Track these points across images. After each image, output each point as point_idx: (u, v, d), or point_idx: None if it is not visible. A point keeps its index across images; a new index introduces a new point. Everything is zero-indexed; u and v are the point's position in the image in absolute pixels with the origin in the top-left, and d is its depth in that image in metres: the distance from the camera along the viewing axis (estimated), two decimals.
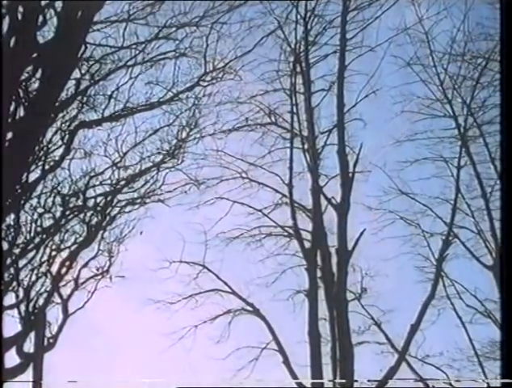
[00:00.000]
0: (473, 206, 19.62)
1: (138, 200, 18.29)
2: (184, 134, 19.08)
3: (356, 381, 15.84)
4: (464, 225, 19.48)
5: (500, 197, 15.51)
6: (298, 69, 19.46)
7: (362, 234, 17.66)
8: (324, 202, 18.06)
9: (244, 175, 18.99)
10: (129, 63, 17.57)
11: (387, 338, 17.92)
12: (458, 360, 18.66)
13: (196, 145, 19.01)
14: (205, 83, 18.68)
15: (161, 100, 18.40)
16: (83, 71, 16.70)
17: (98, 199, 17.86)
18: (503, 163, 13.37)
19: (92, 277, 17.56)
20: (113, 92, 17.58)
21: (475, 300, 19.26)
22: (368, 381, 16.28)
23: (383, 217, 19.82)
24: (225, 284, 17.51)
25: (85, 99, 17.14)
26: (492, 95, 19.81)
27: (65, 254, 17.09)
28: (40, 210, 16.80)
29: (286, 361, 16.46)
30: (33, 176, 15.81)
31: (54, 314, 16.64)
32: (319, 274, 17.36)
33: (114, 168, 18.24)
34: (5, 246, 15.48)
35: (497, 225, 19.24)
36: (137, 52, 17.58)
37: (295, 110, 19.12)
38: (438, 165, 20.03)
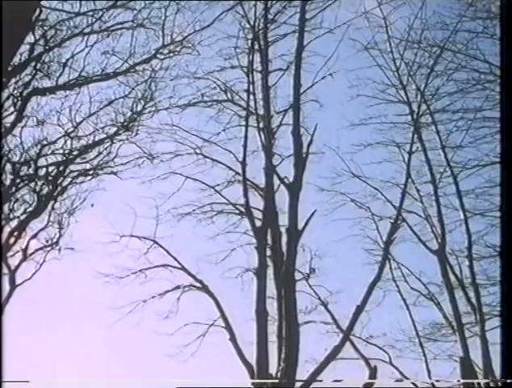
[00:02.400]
0: (422, 191, 20.10)
1: (90, 172, 18.13)
2: (139, 107, 18.93)
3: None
4: (413, 210, 19.94)
5: (500, 196, 15.83)
6: (256, 47, 19.39)
7: (313, 214, 17.79)
8: (276, 181, 18.12)
9: (198, 151, 18.92)
10: (85, 31, 17.29)
11: (333, 318, 18.28)
12: (400, 341, 19.26)
13: (151, 119, 18.90)
14: (162, 56, 18.51)
15: (116, 71, 18.19)
16: (37, 36, 16.37)
17: (50, 168, 17.64)
18: (503, 163, 13.57)
19: (41, 248, 17.38)
20: (68, 60, 17.33)
21: (419, 283, 19.85)
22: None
23: (334, 199, 20.16)
24: (175, 259, 17.47)
25: (39, 65, 16.81)
26: (445, 84, 20.26)
27: (14, 223, 16.87)
28: None
29: (232, 338, 16.55)
30: None
31: None
32: (268, 253, 17.46)
33: (67, 138, 18.02)
34: None
35: (444, 210, 19.79)
36: (94, 20, 17.30)
37: (251, 88, 19.06)
38: (391, 150, 20.44)
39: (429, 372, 18.70)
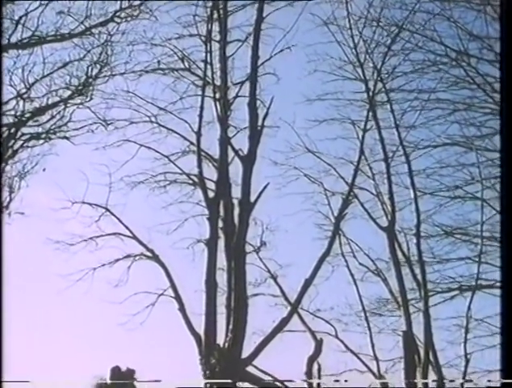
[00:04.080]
0: (375, 169, 20.32)
1: (43, 135, 17.77)
2: (94, 71, 18.59)
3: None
4: (365, 187, 20.18)
5: (500, 196, 16.07)
6: (215, 16, 19.21)
7: (265, 187, 17.90)
8: (231, 153, 18.14)
9: (153, 119, 18.75)
10: None
11: (281, 291, 18.50)
12: (346, 315, 19.62)
13: (106, 84, 18.57)
14: (119, 20, 18.16)
15: (72, 33, 17.78)
16: None
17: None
18: (503, 163, 13.73)
19: None
20: (21, 17, 16.82)
21: (367, 259, 20.19)
22: None
23: (287, 173, 20.26)
24: (127, 228, 17.35)
25: None
26: (401, 64, 20.43)
27: None
28: None
29: (181, 308, 16.66)
30: None
31: None
32: (220, 224, 17.54)
33: (19, 99, 17.60)
34: None
35: (395, 189, 20.09)
36: None
37: (209, 58, 18.91)
38: (345, 127, 20.54)
39: (373, 345, 19.13)
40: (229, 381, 15.40)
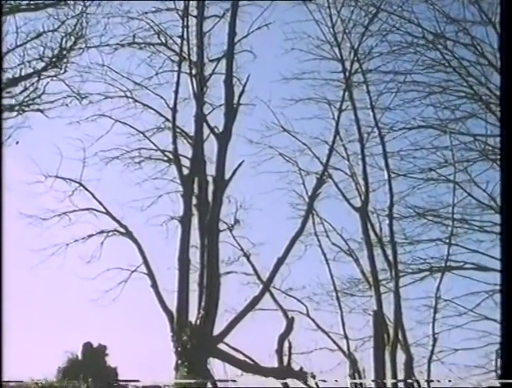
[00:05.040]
0: (349, 150, 20.42)
1: (16, 108, 17.47)
2: (69, 43, 18.27)
3: None
4: (339, 167, 20.27)
5: (500, 196, 16.11)
6: None
7: (240, 165, 17.85)
8: (206, 130, 18.05)
9: (129, 94, 18.55)
10: None
11: (254, 269, 18.56)
12: (318, 294, 19.78)
13: (81, 57, 18.28)
14: None
15: (46, 2, 17.45)
16: None
17: None
18: (503, 163, 13.78)
19: None
20: None
21: (340, 239, 20.33)
22: None
23: (263, 152, 20.29)
24: (100, 203, 17.23)
25: None
26: (378, 45, 20.44)
27: None
28: None
29: (154, 285, 16.63)
30: None
31: None
32: (194, 202, 17.50)
33: None
34: None
35: (369, 170, 20.21)
36: None
37: (185, 33, 18.72)
38: (321, 106, 20.59)
39: (343, 324, 19.35)
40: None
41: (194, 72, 18.41)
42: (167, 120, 18.35)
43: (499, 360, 18.13)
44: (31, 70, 17.79)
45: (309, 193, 18.94)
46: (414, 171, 20.69)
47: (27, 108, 17.56)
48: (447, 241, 19.93)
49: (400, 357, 18.25)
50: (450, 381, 18.16)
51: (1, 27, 9.78)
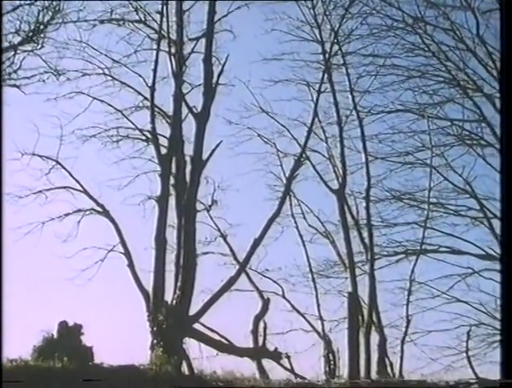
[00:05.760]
0: (328, 132, 20.43)
1: None
2: (46, 17, 17.98)
3: None
4: (317, 150, 20.28)
5: (500, 195, 16.16)
6: None
7: (218, 145, 17.82)
8: (185, 110, 17.95)
9: (107, 71, 18.34)
10: None
11: (231, 250, 18.58)
12: (294, 276, 19.86)
13: (58, 32, 17.99)
14: None
15: None
16: None
17: None
18: (503, 162, 13.81)
19: None
20: None
21: (317, 221, 20.41)
22: None
23: (241, 133, 20.24)
24: (77, 182, 17.07)
25: None
26: (358, 27, 20.43)
27: None
28: None
29: (130, 265, 16.58)
30: None
31: None
32: (172, 181, 17.43)
33: None
34: None
35: (347, 152, 20.27)
36: None
37: (165, 11, 18.52)
38: (301, 88, 20.54)
39: (318, 305, 19.47)
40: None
41: (173, 50, 18.27)
42: (145, 98, 18.20)
43: (470, 341, 18.53)
44: (7, 44, 17.53)
45: (287, 175, 18.98)
46: (392, 155, 20.82)
47: (3, 83, 17.30)
48: (423, 224, 20.11)
49: (374, 339, 18.42)
50: None
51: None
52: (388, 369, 18.00)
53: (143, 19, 18.82)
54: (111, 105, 18.16)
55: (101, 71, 18.31)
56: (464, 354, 18.33)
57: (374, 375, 17.34)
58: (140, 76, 18.29)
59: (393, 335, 19.16)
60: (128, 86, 18.36)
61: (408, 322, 19.24)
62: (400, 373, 17.98)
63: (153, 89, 18.02)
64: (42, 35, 17.81)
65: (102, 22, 18.58)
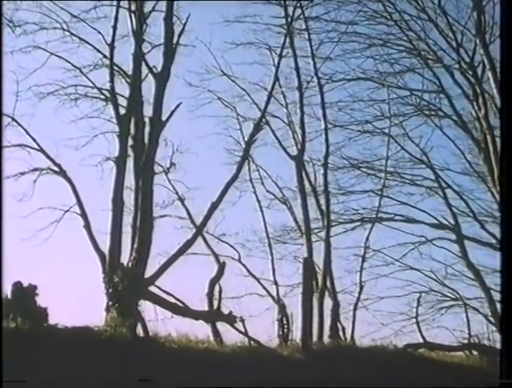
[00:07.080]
0: (288, 98, 20.38)
1: None
2: None
3: None
4: (277, 115, 20.24)
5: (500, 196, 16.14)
6: None
7: (178, 106, 17.55)
8: (144, 70, 17.62)
9: (65, 26, 17.81)
10: None
11: (188, 213, 18.52)
12: (251, 241, 19.96)
13: None
14: None
15: None
16: None
17: None
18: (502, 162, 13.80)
19: None
20: None
21: (275, 186, 20.48)
22: None
23: (201, 95, 20.09)
24: (34, 140, 16.59)
25: None
26: None
27: None
28: None
29: (87, 226, 16.37)
30: None
31: None
32: (130, 142, 17.18)
33: None
34: None
35: (307, 119, 20.26)
36: None
37: None
38: (262, 52, 20.41)
39: (274, 271, 19.64)
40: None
41: (133, 8, 17.83)
42: (105, 56, 17.79)
43: (420, 307, 19.02)
44: None
45: (246, 139, 18.90)
46: (351, 123, 20.94)
47: None
48: (379, 193, 20.35)
49: (328, 304, 18.69)
50: None
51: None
52: (340, 334, 18.30)
53: None
54: (69, 62, 17.65)
55: (59, 26, 17.75)
56: (414, 319, 18.80)
57: (326, 339, 17.64)
58: (99, 32, 17.85)
59: (346, 300, 19.50)
60: (87, 42, 17.87)
61: (361, 288, 19.57)
62: (352, 337, 18.32)
63: (112, 47, 17.59)
64: None
65: None
